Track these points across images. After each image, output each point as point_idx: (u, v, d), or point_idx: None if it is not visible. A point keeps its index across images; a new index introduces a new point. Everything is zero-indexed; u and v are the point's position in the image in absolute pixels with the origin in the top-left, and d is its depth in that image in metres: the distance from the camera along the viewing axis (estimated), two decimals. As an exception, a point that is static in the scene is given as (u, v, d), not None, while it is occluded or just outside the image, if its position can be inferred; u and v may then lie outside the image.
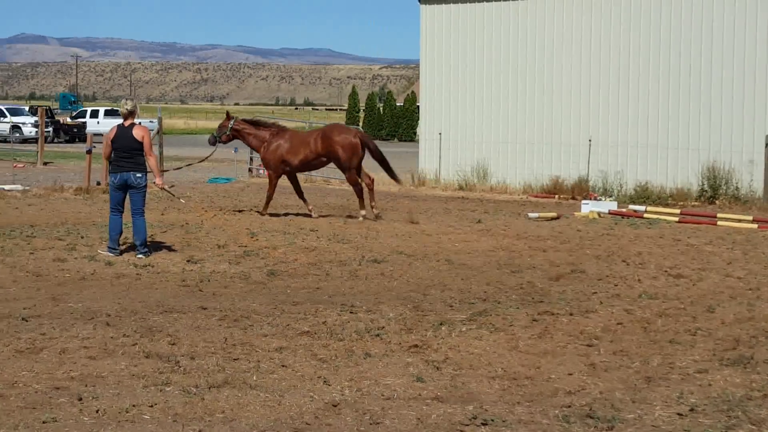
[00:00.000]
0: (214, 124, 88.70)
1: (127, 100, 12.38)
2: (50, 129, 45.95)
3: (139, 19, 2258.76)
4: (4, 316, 7.96)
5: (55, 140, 47.96)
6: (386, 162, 16.15)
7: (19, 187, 19.92)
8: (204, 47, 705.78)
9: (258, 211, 16.21)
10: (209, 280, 10.18)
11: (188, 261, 11.26)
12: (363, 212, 15.87)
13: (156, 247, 12.11)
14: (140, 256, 11.35)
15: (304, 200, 16.41)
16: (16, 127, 46.19)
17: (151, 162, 11.64)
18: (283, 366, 6.65)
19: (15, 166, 27.67)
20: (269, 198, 16.17)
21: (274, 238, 13.20)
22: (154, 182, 12.34)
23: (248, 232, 13.52)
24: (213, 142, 17.06)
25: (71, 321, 7.88)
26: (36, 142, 34.36)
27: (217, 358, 6.82)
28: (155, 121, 32.51)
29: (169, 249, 12.06)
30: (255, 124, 16.91)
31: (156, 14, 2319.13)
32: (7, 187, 19.75)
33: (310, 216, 15.89)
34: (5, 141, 43.06)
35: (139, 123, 11.97)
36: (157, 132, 23.95)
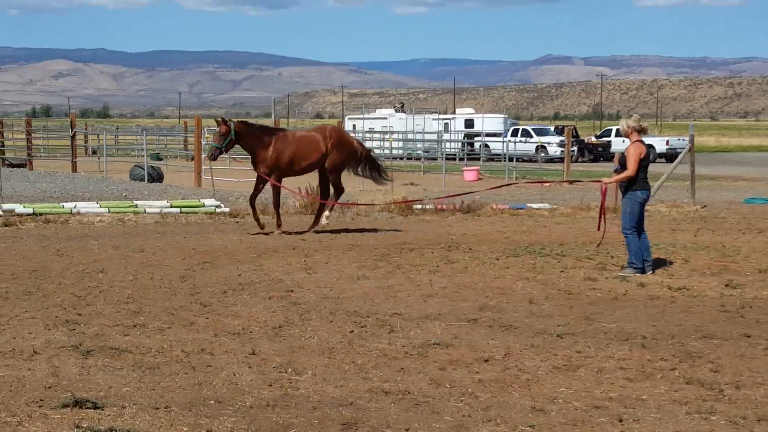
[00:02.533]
0: (749, 141, 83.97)
1: (631, 116, 12.06)
2: (575, 148, 47.27)
3: (667, 35, 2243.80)
4: (540, 332, 8.26)
5: (579, 159, 49.24)
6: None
7: (546, 205, 20.76)
8: (737, 60, 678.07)
9: None
10: (751, 307, 9.57)
11: (726, 285, 10.72)
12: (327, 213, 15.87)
13: (689, 269, 11.79)
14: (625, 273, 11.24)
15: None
16: (542, 147, 48.45)
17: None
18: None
19: (542, 185, 29.05)
20: None
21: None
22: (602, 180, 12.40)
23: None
24: (216, 156, 15.38)
25: (605, 341, 7.92)
26: (561, 161, 35.74)
27: (766, 389, 6.38)
28: (684, 138, 31.84)
29: (705, 272, 11.62)
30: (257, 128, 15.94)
31: (685, 29, 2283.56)
32: (535, 205, 20.72)
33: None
34: (531, 160, 45.44)
35: (640, 141, 11.63)
36: (688, 150, 23.22)
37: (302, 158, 15.50)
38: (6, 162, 34.08)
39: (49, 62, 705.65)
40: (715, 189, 27.68)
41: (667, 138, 53.08)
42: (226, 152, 16.15)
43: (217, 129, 15.32)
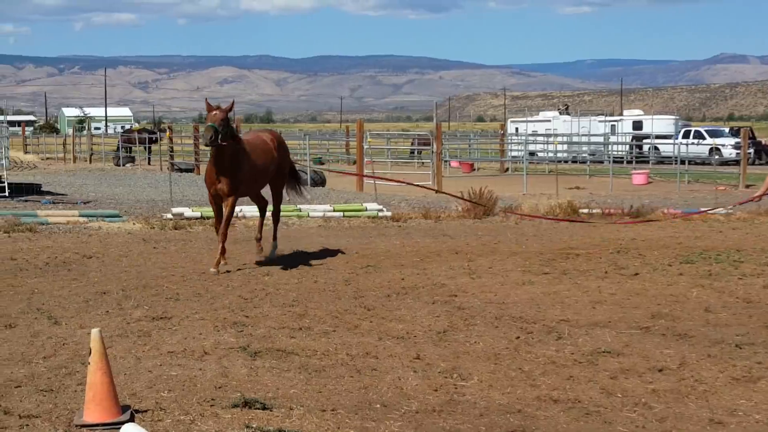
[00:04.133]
0: None
1: None
2: (752, 150, 45.22)
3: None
4: (717, 342, 7.87)
5: (756, 162, 47.07)
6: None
7: (722, 210, 19.86)
8: None
9: None
10: None
11: None
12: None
13: None
14: None
15: None
16: (716, 149, 46.52)
17: None
18: None
19: (716, 189, 27.85)
20: None
21: None
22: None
23: None
24: (213, 141, 11.49)
25: (788, 352, 7.45)
26: (737, 164, 34.17)
27: None
28: None
29: None
30: None
31: None
32: (711, 210, 19.85)
33: None
34: (704, 163, 43.69)
35: None
36: None
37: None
38: (175, 167, 35.59)
39: (214, 69, 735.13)
40: None
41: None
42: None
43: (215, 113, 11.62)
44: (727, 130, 55.25)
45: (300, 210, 18.51)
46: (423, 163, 40.90)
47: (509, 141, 50.65)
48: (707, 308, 9.37)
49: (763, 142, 52.25)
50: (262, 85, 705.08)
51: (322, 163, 42.37)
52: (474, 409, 5.99)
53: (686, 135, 48.67)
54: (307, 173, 29.48)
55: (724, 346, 7.69)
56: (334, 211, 18.60)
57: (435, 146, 28.82)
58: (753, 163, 44.97)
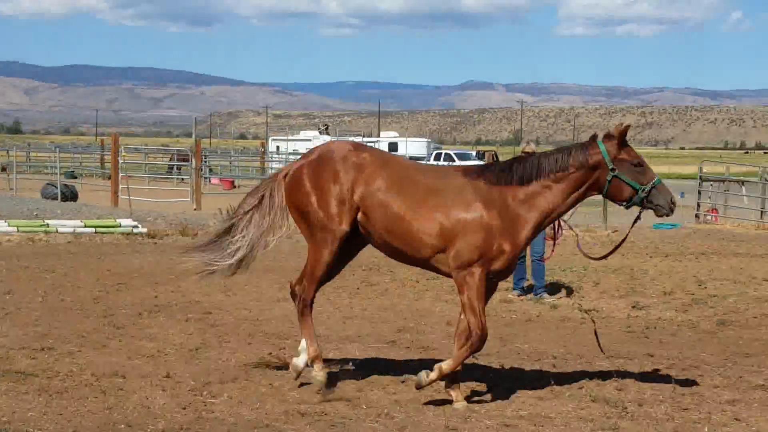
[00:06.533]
0: (659, 168, 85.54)
1: (529, 141, 12.41)
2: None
3: (584, 64, 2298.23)
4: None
5: (500, 184, 50.02)
6: None
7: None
8: (650, 90, 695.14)
9: None
10: (655, 327, 9.91)
11: (633, 307, 11.07)
12: None
13: (599, 291, 12.11)
14: None
15: None
16: (465, 172, 49.03)
17: None
18: (736, 419, 6.32)
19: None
20: None
21: (723, 286, 12.49)
22: None
23: (696, 280, 12.93)
24: None
25: (518, 361, 8.08)
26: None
27: (666, 406, 6.63)
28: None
29: (614, 294, 11.94)
30: None
31: (600, 59, 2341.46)
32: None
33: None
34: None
35: None
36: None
37: None
38: None
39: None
40: (626, 215, 28.23)
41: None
42: None
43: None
44: (474, 153, 58.44)
45: (48, 225, 17.70)
46: (183, 179, 40.26)
47: (270, 159, 50.93)
48: (449, 322, 9.92)
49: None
50: (10, 93, 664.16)
51: (75, 177, 40.66)
52: (222, 426, 6.05)
53: (437, 157, 51.01)
54: (57, 187, 28.25)
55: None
56: (85, 226, 17.93)
57: (194, 162, 28.50)
58: (498, 185, 47.69)
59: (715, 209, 25.35)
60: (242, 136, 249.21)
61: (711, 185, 27.05)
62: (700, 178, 26.67)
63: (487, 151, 46.90)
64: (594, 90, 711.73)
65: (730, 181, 27.16)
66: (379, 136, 68.42)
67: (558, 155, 6.63)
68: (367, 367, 7.68)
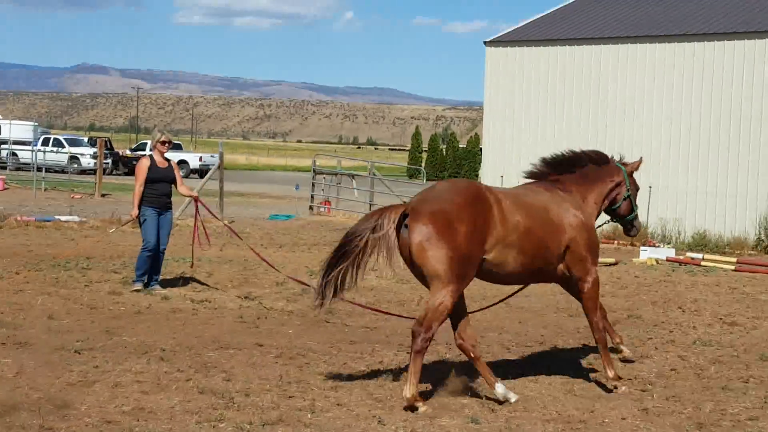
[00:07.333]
0: (276, 161, 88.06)
1: (162, 132, 12.15)
2: (109, 161, 46.48)
3: (203, 53, 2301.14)
4: (58, 348, 7.93)
5: (114, 172, 48.47)
6: None
7: (75, 218, 20.05)
8: (268, 83, 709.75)
9: None
10: (266, 317, 10.10)
11: (245, 297, 11.21)
12: None
13: (213, 282, 12.13)
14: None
15: None
16: (74, 158, 46.82)
17: None
18: (338, 405, 6.59)
19: (72, 197, 28.03)
20: None
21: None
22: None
23: (307, 270, 13.42)
24: None
25: (125, 354, 7.83)
26: (94, 173, 34.82)
27: (272, 395, 6.75)
28: (216, 156, 32.67)
29: (227, 285, 12.02)
30: None
31: (219, 48, 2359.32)
32: (63, 218, 19.91)
33: None
34: (63, 171, 43.71)
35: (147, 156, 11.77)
36: (218, 167, 23.83)
37: None
38: None
39: None
40: (243, 205, 28.84)
41: (200, 154, 54.22)
42: None
43: None
44: (86, 139, 56.04)
45: None
46: None
47: None
48: (51, 315, 9.39)
49: (121, 153, 54.11)
50: None
51: None
52: None
53: (45, 142, 48.18)
54: None
55: (64, 353, 7.78)
56: None
57: None
58: (110, 173, 46.33)
59: (328, 201, 26.58)
60: None
61: (324, 178, 28.31)
62: (314, 171, 27.86)
63: (100, 137, 45.11)
64: (212, 80, 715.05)
65: (341, 174, 28.60)
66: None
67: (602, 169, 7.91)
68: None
